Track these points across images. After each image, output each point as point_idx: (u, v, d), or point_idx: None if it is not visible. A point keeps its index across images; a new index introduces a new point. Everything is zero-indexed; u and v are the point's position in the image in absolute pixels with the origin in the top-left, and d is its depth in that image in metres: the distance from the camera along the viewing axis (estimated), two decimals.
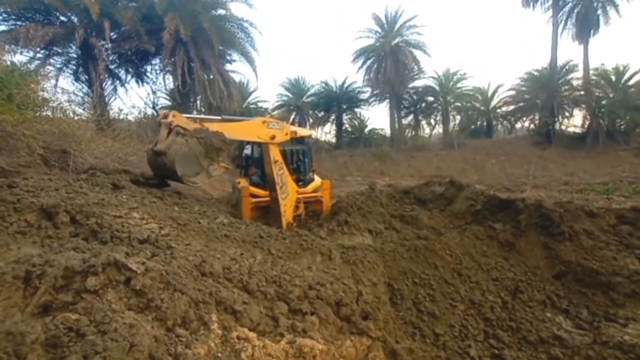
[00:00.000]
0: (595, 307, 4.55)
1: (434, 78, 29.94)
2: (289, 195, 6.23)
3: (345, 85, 31.28)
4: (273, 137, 5.85)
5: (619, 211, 6.01)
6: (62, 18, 15.15)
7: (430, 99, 30.82)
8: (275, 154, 5.97)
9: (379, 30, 28.41)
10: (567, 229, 5.33)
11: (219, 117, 5.92)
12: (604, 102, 24.61)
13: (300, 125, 27.33)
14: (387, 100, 30.14)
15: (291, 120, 29.74)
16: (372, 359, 2.68)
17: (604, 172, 17.67)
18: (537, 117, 27.59)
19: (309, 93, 31.13)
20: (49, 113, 7.76)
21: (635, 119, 23.23)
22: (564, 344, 3.99)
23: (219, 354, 1.90)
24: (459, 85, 30.26)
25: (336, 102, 31.12)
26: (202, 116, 6.35)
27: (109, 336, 1.57)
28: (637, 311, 4.37)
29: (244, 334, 2.12)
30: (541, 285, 4.87)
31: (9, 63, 8.59)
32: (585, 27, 25.20)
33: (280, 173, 6.06)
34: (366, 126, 33.22)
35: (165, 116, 4.85)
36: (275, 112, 29.42)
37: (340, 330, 2.74)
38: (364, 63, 28.83)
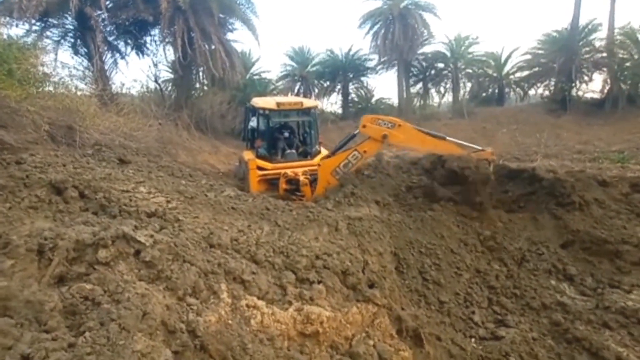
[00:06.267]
0: (601, 274, 4.56)
1: (444, 43, 28.37)
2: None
3: (352, 53, 29.92)
4: None
5: (633, 179, 5.83)
6: None
7: (441, 65, 29.39)
8: None
9: None
10: (578, 199, 5.23)
11: None
12: (627, 64, 23.05)
13: (305, 96, 26.66)
14: (395, 67, 28.91)
15: (296, 91, 28.98)
16: (378, 325, 2.78)
17: (621, 139, 17.00)
18: (552, 83, 26.23)
19: (314, 62, 29.94)
20: (51, 88, 7.67)
21: None
22: (566, 309, 4.06)
23: (230, 321, 1.98)
24: (470, 50, 28.66)
25: (342, 71, 29.95)
26: None
27: (122, 305, 1.64)
28: None
29: (253, 302, 2.19)
30: (547, 255, 4.88)
31: (5, 37, 8.38)
32: None
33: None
34: (373, 96, 32.16)
35: None
36: (280, 82, 28.61)
37: (346, 298, 2.82)
38: (370, 28, 27.31)
